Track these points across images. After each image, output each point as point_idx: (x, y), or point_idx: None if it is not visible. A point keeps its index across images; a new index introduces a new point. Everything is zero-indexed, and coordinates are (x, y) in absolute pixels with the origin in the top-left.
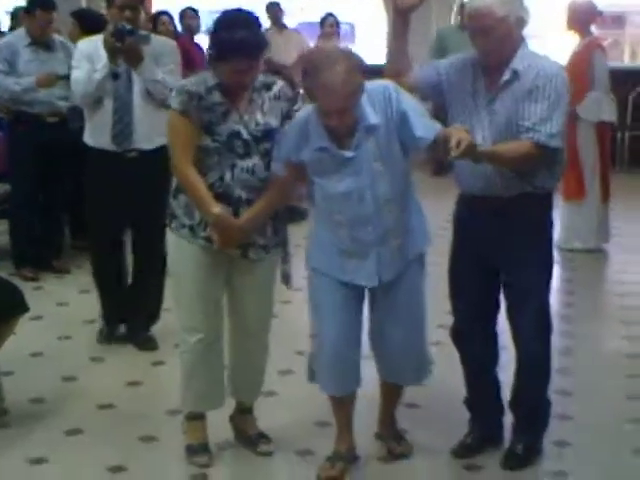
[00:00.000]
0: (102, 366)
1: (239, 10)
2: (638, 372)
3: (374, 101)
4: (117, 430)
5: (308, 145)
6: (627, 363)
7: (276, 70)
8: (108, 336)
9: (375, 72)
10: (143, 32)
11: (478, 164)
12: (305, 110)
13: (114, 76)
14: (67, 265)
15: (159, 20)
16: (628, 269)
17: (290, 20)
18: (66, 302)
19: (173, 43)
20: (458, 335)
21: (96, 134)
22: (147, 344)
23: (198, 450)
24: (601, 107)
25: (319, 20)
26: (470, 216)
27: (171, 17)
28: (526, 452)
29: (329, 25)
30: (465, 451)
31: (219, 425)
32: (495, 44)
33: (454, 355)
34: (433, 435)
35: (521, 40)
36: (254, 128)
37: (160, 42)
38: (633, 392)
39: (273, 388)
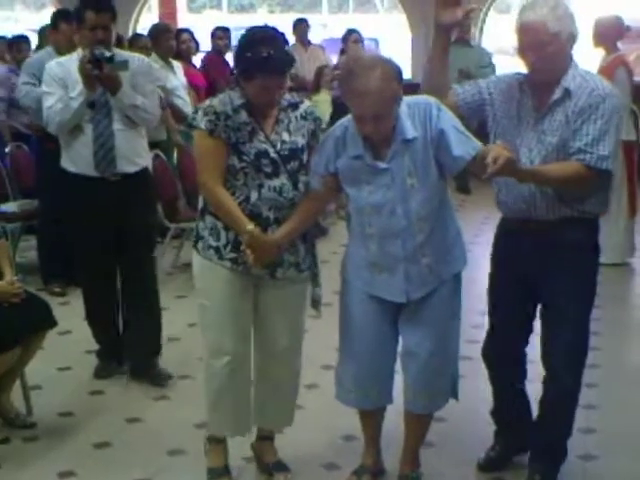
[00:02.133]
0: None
1: (265, 27)
2: None
3: (414, 115)
4: (145, 444)
5: (345, 153)
6: None
7: (301, 86)
8: (102, 372)
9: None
10: (119, 57)
11: (522, 184)
12: (345, 118)
13: (90, 105)
14: None
15: (180, 38)
16: None
17: (313, 36)
18: None
19: (147, 60)
20: (491, 356)
21: (77, 160)
22: (158, 379)
23: (220, 473)
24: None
25: (342, 36)
26: (511, 239)
27: (192, 34)
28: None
29: (352, 41)
30: (490, 464)
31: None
32: (547, 61)
33: (482, 370)
34: (459, 449)
35: (571, 58)
36: (281, 147)
37: (135, 61)
38: None
39: (299, 402)
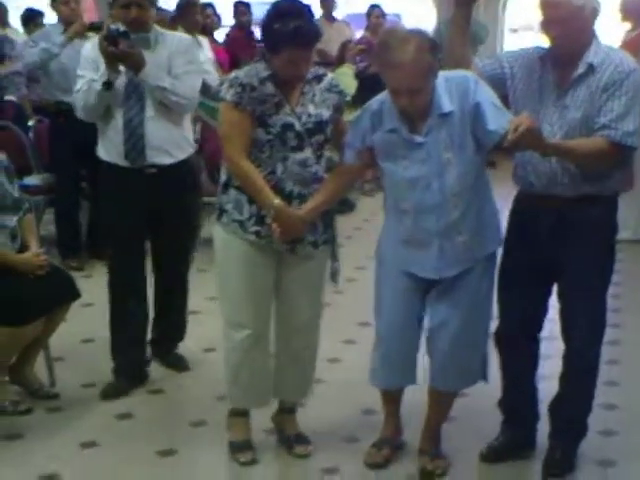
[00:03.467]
0: None
1: (292, 0)
2: None
3: (452, 89)
4: (167, 415)
5: (381, 127)
6: None
7: (328, 61)
8: (115, 393)
9: None
10: (151, 35)
11: (544, 159)
12: (382, 94)
13: (107, 85)
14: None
15: (204, 13)
16: None
17: (336, 12)
18: None
19: (189, 40)
20: (503, 338)
21: (109, 149)
22: (177, 364)
23: (242, 447)
24: None
25: (365, 12)
26: (529, 215)
27: (214, 9)
28: (564, 457)
29: (375, 16)
30: (493, 455)
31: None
32: (570, 36)
33: (495, 365)
34: (466, 446)
35: (593, 33)
36: (306, 120)
37: (174, 41)
38: None
39: (321, 376)
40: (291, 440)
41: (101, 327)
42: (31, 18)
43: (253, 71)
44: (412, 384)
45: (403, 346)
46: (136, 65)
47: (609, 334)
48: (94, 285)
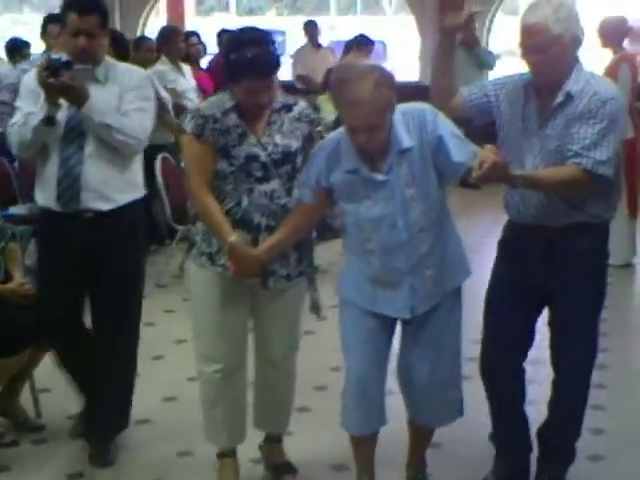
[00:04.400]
0: (137, 382)
1: (250, 29)
2: None
3: (409, 124)
4: (155, 445)
5: (339, 167)
6: None
7: (311, 88)
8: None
9: (407, 90)
10: (111, 68)
11: (524, 190)
12: (337, 131)
13: (47, 121)
14: None
15: (189, 41)
16: None
17: (321, 39)
18: None
19: (143, 75)
20: (489, 369)
21: (44, 191)
22: (102, 457)
23: None
24: None
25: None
26: (518, 245)
27: (199, 37)
28: None
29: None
30: None
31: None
32: (549, 64)
33: (481, 391)
34: (454, 475)
35: (576, 61)
36: (273, 150)
37: (126, 74)
38: None
39: (307, 404)
40: (278, 470)
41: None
42: (17, 49)
43: (217, 102)
44: (383, 425)
45: (373, 391)
46: (78, 99)
47: (597, 358)
48: None
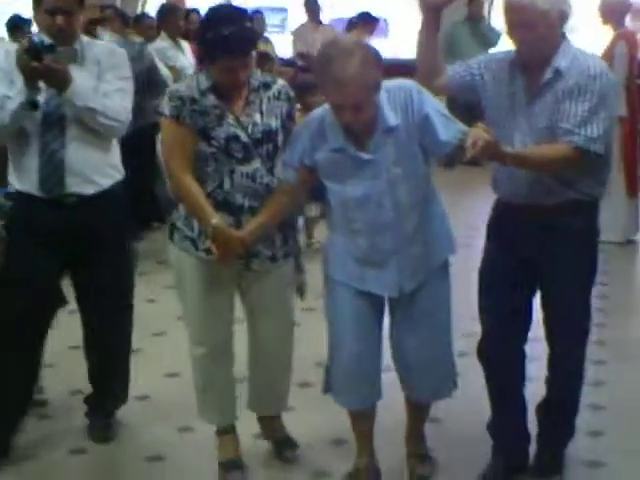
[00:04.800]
0: (138, 358)
1: (225, 6)
2: None
3: (395, 102)
4: (155, 421)
5: (324, 146)
6: None
7: (311, 65)
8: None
9: (408, 67)
10: (87, 47)
11: (513, 168)
12: (321, 109)
13: (31, 105)
14: None
15: (189, 18)
16: None
17: (322, 17)
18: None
19: (121, 52)
20: (486, 352)
21: (22, 177)
22: (102, 433)
23: (230, 467)
24: None
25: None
26: (509, 224)
27: (199, 14)
28: (553, 460)
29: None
30: None
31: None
32: (536, 40)
33: (477, 367)
34: (454, 452)
35: (563, 36)
36: (252, 130)
37: (104, 53)
38: None
39: (309, 379)
40: (279, 444)
41: None
42: (18, 26)
43: (194, 83)
44: (379, 400)
45: (368, 367)
46: (61, 83)
47: (595, 334)
48: None
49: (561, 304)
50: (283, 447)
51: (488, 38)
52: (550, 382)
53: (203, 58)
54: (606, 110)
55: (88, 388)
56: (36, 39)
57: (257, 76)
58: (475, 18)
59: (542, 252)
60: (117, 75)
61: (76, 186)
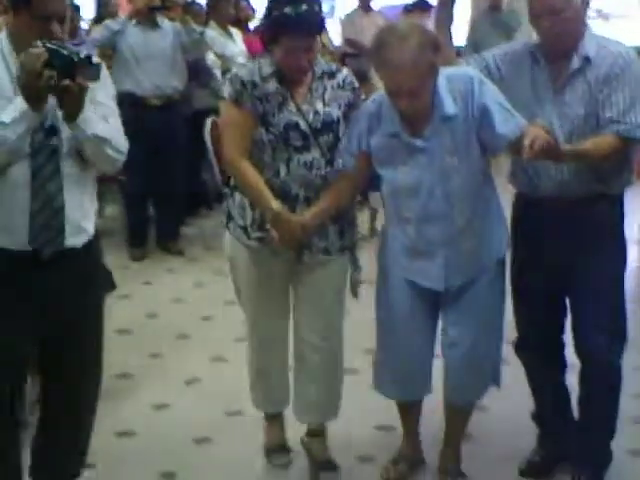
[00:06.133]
0: (186, 342)
1: None
2: None
3: (455, 90)
4: (203, 405)
5: (379, 130)
6: None
7: (360, 51)
8: None
9: (459, 53)
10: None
11: (540, 162)
12: (379, 94)
13: (53, 132)
14: (179, 246)
15: (238, 5)
16: None
17: (373, 3)
18: (150, 282)
19: (104, 70)
20: (523, 347)
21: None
22: None
23: (275, 451)
24: None
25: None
26: (534, 221)
27: (248, 1)
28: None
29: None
30: (534, 470)
31: None
32: (564, 26)
33: (522, 377)
34: (489, 471)
35: (585, 24)
36: (313, 119)
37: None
38: None
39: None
40: (318, 467)
41: (139, 318)
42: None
43: (256, 67)
44: (428, 394)
45: (415, 358)
46: (80, 108)
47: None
48: (132, 277)
49: (593, 300)
50: (320, 471)
51: (507, 24)
52: (582, 402)
53: (267, 39)
54: None
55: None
56: (64, 51)
57: (322, 64)
58: (496, 8)
59: (571, 246)
60: (108, 93)
61: (71, 237)
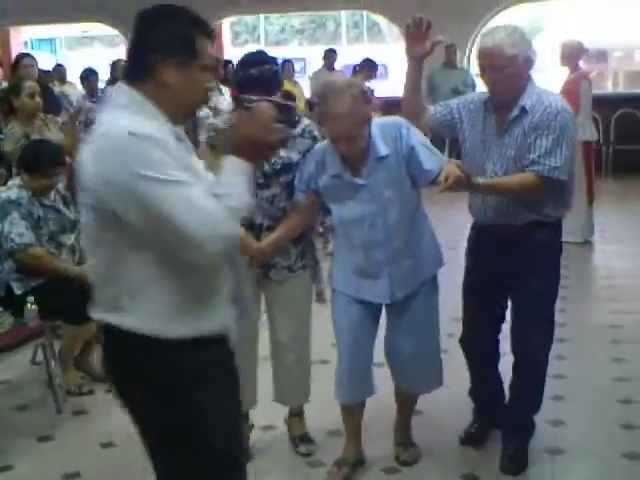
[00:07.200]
0: None
1: (256, 52)
2: (621, 338)
3: (385, 134)
4: None
5: (325, 172)
6: (611, 332)
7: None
8: None
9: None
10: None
11: (485, 195)
12: (323, 143)
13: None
14: None
15: (227, 68)
16: (611, 257)
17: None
18: None
19: None
20: (467, 344)
21: (210, 315)
22: None
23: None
24: (585, 129)
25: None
26: (483, 242)
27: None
28: (519, 452)
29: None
30: (471, 439)
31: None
32: (504, 82)
33: (459, 363)
34: (435, 441)
35: (528, 78)
36: (275, 161)
37: None
38: (617, 355)
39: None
40: (296, 440)
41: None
42: (87, 77)
43: (228, 116)
44: (372, 395)
45: (362, 364)
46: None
47: (558, 317)
48: None
49: (528, 310)
50: (299, 443)
51: (466, 79)
52: (514, 387)
53: (237, 93)
54: (567, 141)
55: None
56: (278, 100)
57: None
58: (450, 64)
59: (513, 265)
60: None
61: None
